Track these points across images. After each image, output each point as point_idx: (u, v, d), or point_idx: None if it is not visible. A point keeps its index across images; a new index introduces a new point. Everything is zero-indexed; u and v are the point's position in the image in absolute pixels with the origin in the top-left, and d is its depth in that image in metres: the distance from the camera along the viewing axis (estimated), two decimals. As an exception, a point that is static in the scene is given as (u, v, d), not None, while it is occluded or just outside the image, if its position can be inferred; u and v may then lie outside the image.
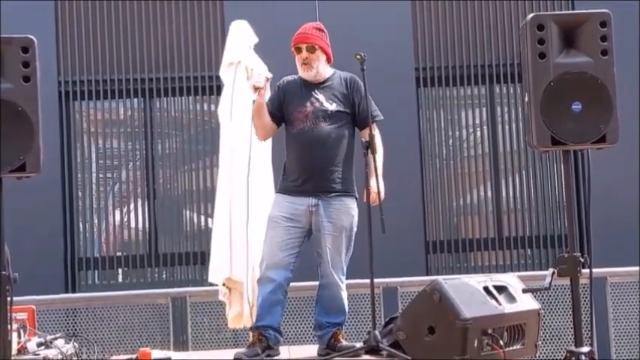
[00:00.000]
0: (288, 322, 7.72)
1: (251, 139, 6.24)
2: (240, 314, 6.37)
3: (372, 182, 5.73)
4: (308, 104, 5.72)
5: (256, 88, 5.65)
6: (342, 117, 5.76)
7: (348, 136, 5.78)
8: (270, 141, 6.17)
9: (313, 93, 5.77)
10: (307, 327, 7.76)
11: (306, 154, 5.67)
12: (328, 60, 5.86)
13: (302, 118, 5.70)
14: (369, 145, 5.64)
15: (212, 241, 6.49)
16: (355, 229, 5.76)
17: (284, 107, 5.77)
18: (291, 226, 5.65)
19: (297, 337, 7.74)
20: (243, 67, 6.36)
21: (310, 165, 5.67)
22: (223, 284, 6.42)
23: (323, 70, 5.81)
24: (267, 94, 5.80)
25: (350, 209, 5.75)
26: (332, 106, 5.73)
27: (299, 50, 5.77)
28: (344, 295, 5.82)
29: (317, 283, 5.82)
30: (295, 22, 5.99)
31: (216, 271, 6.41)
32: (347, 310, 5.87)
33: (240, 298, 6.35)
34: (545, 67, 4.73)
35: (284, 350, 6.11)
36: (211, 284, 6.49)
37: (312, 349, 5.92)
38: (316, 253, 5.76)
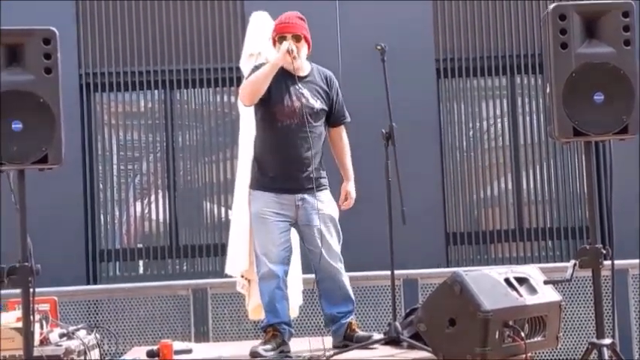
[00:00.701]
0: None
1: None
2: (261, 305, 6.36)
3: (351, 187, 5.79)
4: (295, 99, 5.63)
5: (289, 53, 5.53)
6: (323, 114, 5.76)
7: (324, 132, 5.80)
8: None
9: (297, 87, 5.67)
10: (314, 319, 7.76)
11: (293, 151, 5.60)
12: (309, 50, 5.81)
13: (289, 114, 5.60)
14: (390, 137, 5.63)
15: (230, 232, 6.48)
16: None
17: (265, 92, 5.58)
18: (280, 220, 5.60)
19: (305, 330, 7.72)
20: (263, 58, 6.34)
21: (297, 162, 5.61)
22: (242, 276, 6.41)
23: (304, 60, 5.77)
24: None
25: (332, 200, 5.77)
26: (317, 104, 5.69)
27: (283, 39, 5.65)
28: (347, 281, 5.78)
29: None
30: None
31: (234, 263, 6.39)
32: (353, 297, 5.85)
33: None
34: (567, 58, 4.70)
35: (304, 342, 6.11)
36: (231, 276, 6.48)
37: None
38: (308, 249, 5.73)
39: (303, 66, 5.76)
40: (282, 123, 5.61)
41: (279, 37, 5.68)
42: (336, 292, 5.76)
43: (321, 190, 5.71)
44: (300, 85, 5.69)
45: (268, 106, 5.64)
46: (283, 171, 5.60)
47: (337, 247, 5.73)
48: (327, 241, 5.65)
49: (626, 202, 9.68)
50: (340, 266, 5.73)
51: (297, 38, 5.67)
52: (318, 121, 5.71)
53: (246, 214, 6.27)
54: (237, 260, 6.29)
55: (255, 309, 6.35)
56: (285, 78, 5.66)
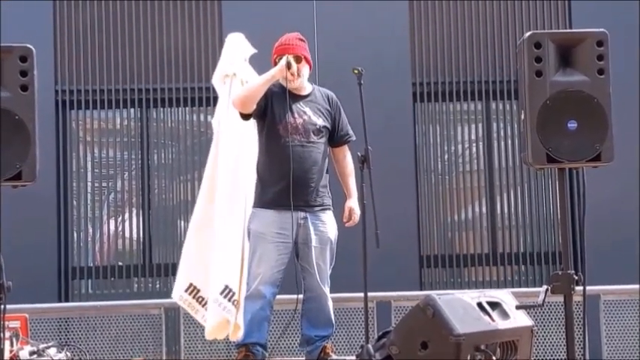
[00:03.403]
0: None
1: (243, 152, 6.25)
2: (225, 325, 6.32)
3: (354, 204, 5.80)
4: (297, 116, 5.70)
5: (288, 67, 5.61)
6: (325, 132, 5.80)
7: (327, 150, 5.85)
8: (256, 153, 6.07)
9: (299, 105, 5.75)
10: (286, 340, 7.75)
11: (296, 168, 5.62)
12: (310, 70, 5.87)
13: (291, 131, 5.66)
14: (365, 160, 5.65)
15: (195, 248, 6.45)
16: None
17: (268, 109, 5.69)
18: (281, 242, 5.62)
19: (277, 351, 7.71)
20: (238, 79, 6.36)
21: (300, 178, 5.63)
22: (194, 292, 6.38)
23: (306, 81, 5.83)
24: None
25: (333, 222, 5.80)
26: (320, 121, 5.76)
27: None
28: (331, 305, 5.82)
29: (294, 296, 5.81)
30: (292, 30, 5.98)
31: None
32: (334, 322, 5.86)
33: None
34: (541, 85, 4.75)
35: (277, 363, 6.11)
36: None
37: (305, 363, 5.91)
38: (301, 267, 5.75)
39: (305, 86, 5.82)
40: (285, 140, 5.65)
41: (279, 59, 5.73)
42: (319, 315, 5.78)
43: (324, 210, 5.75)
44: (302, 103, 5.76)
45: (271, 123, 5.69)
46: (286, 187, 5.60)
47: (328, 270, 5.76)
48: (320, 263, 5.68)
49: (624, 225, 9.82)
50: (327, 290, 5.76)
51: (297, 59, 5.72)
52: (321, 139, 5.76)
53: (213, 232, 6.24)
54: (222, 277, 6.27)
55: (213, 329, 6.32)
56: (287, 97, 5.72)
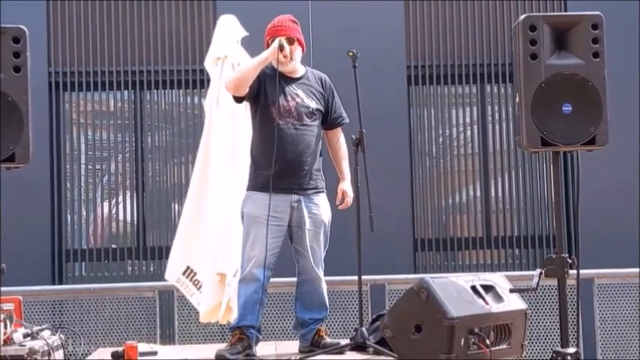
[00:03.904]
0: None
1: (234, 135, 6.24)
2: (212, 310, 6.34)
3: (347, 187, 5.79)
4: (290, 99, 5.69)
5: (280, 50, 5.58)
6: (319, 115, 5.78)
7: (321, 133, 5.84)
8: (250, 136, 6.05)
9: (292, 88, 5.73)
10: (280, 323, 7.77)
11: (290, 151, 5.62)
12: (302, 52, 5.85)
13: (284, 113, 5.65)
14: (360, 143, 5.64)
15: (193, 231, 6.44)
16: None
17: (261, 92, 5.67)
18: (275, 225, 5.61)
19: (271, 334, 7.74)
20: (229, 62, 6.34)
21: (293, 161, 5.63)
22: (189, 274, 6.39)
23: (299, 63, 5.81)
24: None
25: (327, 205, 5.80)
26: (312, 104, 5.74)
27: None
28: (325, 288, 5.82)
29: (289, 279, 5.82)
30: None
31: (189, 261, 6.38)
32: (328, 305, 5.87)
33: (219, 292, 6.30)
34: (536, 68, 4.74)
35: (271, 346, 6.11)
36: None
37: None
38: (294, 249, 5.75)
39: (298, 68, 5.80)
40: (278, 122, 5.63)
41: (272, 41, 5.70)
42: (313, 298, 5.79)
43: (318, 192, 5.74)
44: (294, 86, 5.74)
45: (264, 106, 5.67)
46: (280, 170, 5.58)
47: (322, 253, 5.77)
48: (314, 246, 5.69)
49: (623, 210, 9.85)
50: (321, 273, 5.77)
51: (290, 41, 5.70)
52: (314, 121, 5.74)
53: (209, 215, 6.24)
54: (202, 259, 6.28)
55: (207, 312, 6.33)
56: (279, 79, 5.68)
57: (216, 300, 6.23)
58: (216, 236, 6.21)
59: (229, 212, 6.18)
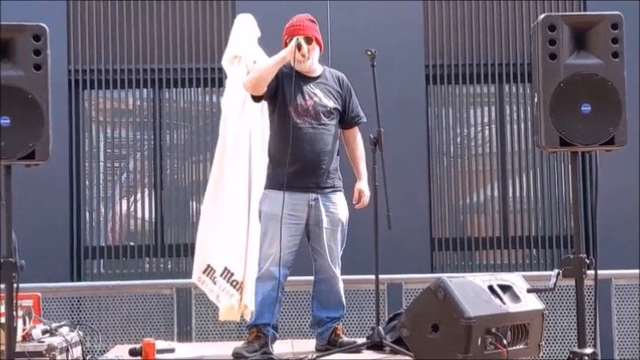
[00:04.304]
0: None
1: (250, 133, 6.26)
2: (232, 307, 6.36)
3: (364, 186, 5.79)
4: (307, 98, 5.70)
5: (298, 49, 5.60)
6: (336, 114, 5.80)
7: (338, 132, 5.85)
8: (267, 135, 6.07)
9: (310, 87, 5.74)
10: (297, 321, 7.78)
11: (308, 150, 5.63)
12: (320, 52, 5.86)
13: (302, 112, 5.66)
14: (378, 142, 5.65)
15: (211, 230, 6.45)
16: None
17: (279, 91, 5.69)
18: (293, 223, 5.62)
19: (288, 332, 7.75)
20: (244, 61, 6.35)
21: (311, 160, 5.64)
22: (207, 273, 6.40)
23: (317, 62, 5.82)
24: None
25: (344, 204, 5.81)
26: (330, 103, 5.76)
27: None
28: (342, 287, 5.83)
29: (306, 278, 5.83)
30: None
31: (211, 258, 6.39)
32: (345, 304, 5.87)
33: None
34: (555, 68, 4.73)
35: (287, 344, 6.12)
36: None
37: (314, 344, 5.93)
38: (312, 248, 5.76)
39: (315, 67, 5.81)
40: (296, 122, 5.64)
41: (290, 40, 5.72)
42: (330, 296, 5.80)
43: (335, 191, 5.75)
44: (312, 85, 5.76)
45: (282, 105, 5.69)
46: (297, 168, 5.60)
47: (339, 252, 5.78)
48: (331, 245, 5.70)
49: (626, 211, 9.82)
50: (338, 272, 5.78)
51: (308, 40, 5.71)
52: (332, 120, 5.76)
53: (229, 214, 6.26)
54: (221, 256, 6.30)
55: (225, 310, 6.35)
56: (297, 79, 5.71)
57: (234, 298, 6.25)
58: (231, 235, 6.24)
59: (247, 211, 6.20)
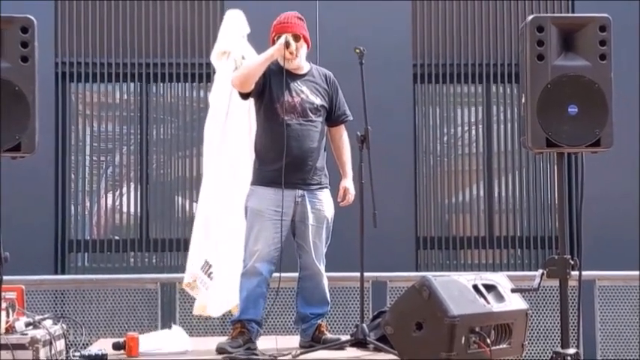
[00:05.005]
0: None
1: (237, 129, 6.27)
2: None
3: (349, 184, 5.80)
4: (294, 95, 5.71)
5: (286, 47, 5.61)
6: (323, 111, 5.80)
7: (325, 130, 5.86)
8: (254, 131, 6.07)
9: (297, 84, 5.75)
10: (281, 318, 7.78)
11: (294, 146, 5.63)
12: (308, 49, 5.87)
13: (288, 109, 5.67)
14: (365, 140, 5.65)
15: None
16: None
17: (266, 88, 5.69)
18: (278, 219, 5.61)
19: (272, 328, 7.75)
20: (232, 57, 6.36)
21: (298, 157, 5.64)
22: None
23: (304, 60, 5.83)
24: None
25: (330, 201, 5.81)
26: (317, 100, 5.76)
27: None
28: (326, 284, 5.84)
29: (291, 274, 5.83)
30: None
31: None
32: (329, 300, 5.88)
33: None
34: (543, 69, 4.74)
35: (271, 340, 6.13)
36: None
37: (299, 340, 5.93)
38: (297, 244, 5.77)
39: (303, 65, 5.82)
40: (283, 118, 5.64)
41: (278, 37, 5.71)
42: (314, 293, 5.81)
43: (321, 188, 5.76)
44: (299, 82, 5.76)
45: (269, 102, 5.69)
46: (284, 164, 5.59)
47: (323, 248, 5.78)
48: (316, 242, 5.71)
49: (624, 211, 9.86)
50: (322, 268, 5.78)
51: (296, 37, 5.72)
52: (319, 117, 5.76)
53: (216, 210, 6.27)
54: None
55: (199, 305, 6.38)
56: (284, 76, 5.71)
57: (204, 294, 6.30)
58: (211, 231, 6.27)
59: (226, 207, 6.22)
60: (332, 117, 5.87)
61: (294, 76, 5.78)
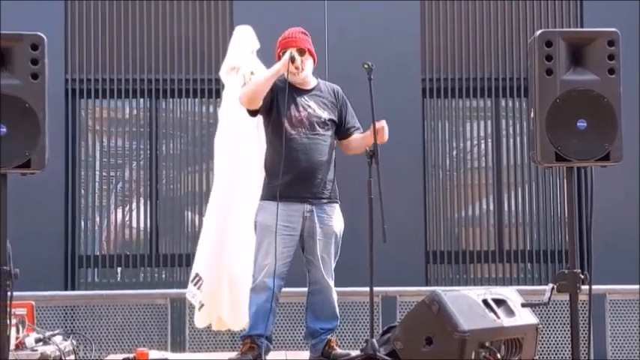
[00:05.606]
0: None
1: (245, 145, 6.28)
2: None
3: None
4: (301, 109, 5.72)
5: (292, 61, 5.62)
6: (332, 125, 5.80)
7: (334, 143, 5.85)
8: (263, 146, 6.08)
9: (304, 99, 5.76)
10: (291, 333, 7.78)
11: (302, 159, 5.63)
12: (314, 64, 5.89)
13: (296, 124, 5.67)
14: (374, 154, 5.65)
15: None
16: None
17: (273, 104, 5.71)
18: (287, 234, 5.62)
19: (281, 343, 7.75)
20: (241, 73, 6.37)
21: (306, 170, 5.64)
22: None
23: (310, 74, 5.84)
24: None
25: (340, 216, 5.81)
26: (325, 114, 5.76)
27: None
28: (335, 298, 5.82)
29: (300, 289, 5.83)
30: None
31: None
32: (339, 315, 5.88)
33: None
34: (552, 84, 4.74)
35: (281, 355, 6.12)
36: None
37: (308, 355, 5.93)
38: (306, 259, 5.76)
39: (310, 80, 5.83)
40: (290, 132, 5.65)
41: (283, 53, 5.74)
42: (324, 307, 5.79)
43: (331, 202, 5.75)
44: (306, 97, 5.78)
45: (277, 118, 5.70)
46: (292, 178, 5.60)
47: (332, 263, 5.77)
48: (324, 256, 5.70)
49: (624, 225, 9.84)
50: (332, 283, 5.77)
51: (301, 52, 5.74)
52: (327, 131, 5.76)
53: (225, 224, 6.28)
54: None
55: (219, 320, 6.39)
56: (291, 91, 5.73)
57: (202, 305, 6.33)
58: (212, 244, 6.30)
59: (228, 221, 6.24)
60: (341, 130, 5.87)
61: (300, 91, 5.79)
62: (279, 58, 5.75)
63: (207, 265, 6.31)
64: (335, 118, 5.82)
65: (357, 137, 5.88)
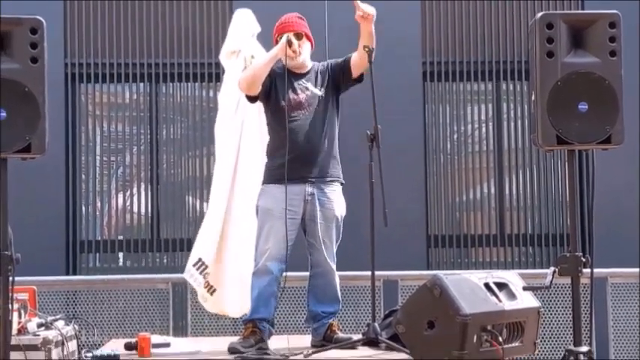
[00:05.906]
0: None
1: (245, 129, 6.27)
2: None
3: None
4: (299, 92, 5.74)
5: (289, 45, 5.63)
6: (331, 100, 5.79)
7: (336, 119, 5.84)
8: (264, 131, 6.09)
9: (301, 82, 5.78)
10: (293, 317, 7.78)
11: (302, 139, 5.65)
12: (312, 48, 5.89)
13: (295, 106, 5.69)
14: (374, 138, 5.64)
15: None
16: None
17: (272, 89, 5.73)
18: (289, 218, 5.61)
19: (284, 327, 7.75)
20: (242, 56, 6.36)
21: (308, 149, 5.66)
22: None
23: (308, 58, 5.84)
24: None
25: (341, 198, 5.81)
26: (321, 92, 5.77)
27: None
28: (337, 282, 5.83)
29: (302, 274, 5.83)
30: (303, 14, 5.99)
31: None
32: (340, 299, 5.87)
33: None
34: (552, 66, 4.72)
35: (283, 340, 6.12)
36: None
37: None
38: (308, 242, 5.77)
39: (307, 63, 5.85)
40: (290, 115, 5.67)
41: (280, 38, 5.76)
42: (325, 291, 5.80)
43: (333, 182, 5.75)
44: (303, 80, 5.79)
45: (275, 102, 5.73)
46: (293, 158, 5.61)
47: (334, 246, 5.78)
48: (325, 240, 5.70)
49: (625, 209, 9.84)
50: (334, 266, 5.77)
51: (298, 36, 5.76)
52: (327, 108, 5.76)
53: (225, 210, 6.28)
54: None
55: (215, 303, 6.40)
56: (289, 75, 5.75)
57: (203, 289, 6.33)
58: (211, 230, 6.28)
59: (227, 206, 6.23)
60: (342, 74, 5.79)
61: (298, 75, 5.81)
62: (277, 43, 5.75)
63: (211, 251, 6.30)
64: (331, 85, 5.80)
65: (353, 55, 5.79)
